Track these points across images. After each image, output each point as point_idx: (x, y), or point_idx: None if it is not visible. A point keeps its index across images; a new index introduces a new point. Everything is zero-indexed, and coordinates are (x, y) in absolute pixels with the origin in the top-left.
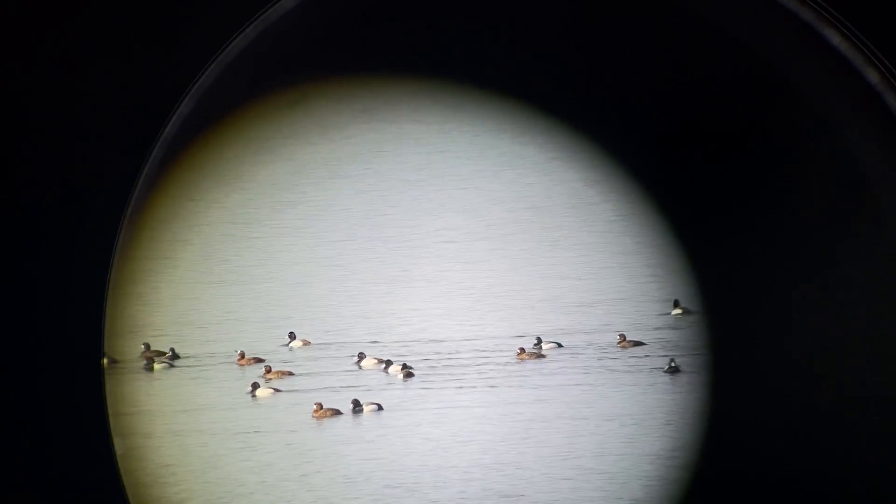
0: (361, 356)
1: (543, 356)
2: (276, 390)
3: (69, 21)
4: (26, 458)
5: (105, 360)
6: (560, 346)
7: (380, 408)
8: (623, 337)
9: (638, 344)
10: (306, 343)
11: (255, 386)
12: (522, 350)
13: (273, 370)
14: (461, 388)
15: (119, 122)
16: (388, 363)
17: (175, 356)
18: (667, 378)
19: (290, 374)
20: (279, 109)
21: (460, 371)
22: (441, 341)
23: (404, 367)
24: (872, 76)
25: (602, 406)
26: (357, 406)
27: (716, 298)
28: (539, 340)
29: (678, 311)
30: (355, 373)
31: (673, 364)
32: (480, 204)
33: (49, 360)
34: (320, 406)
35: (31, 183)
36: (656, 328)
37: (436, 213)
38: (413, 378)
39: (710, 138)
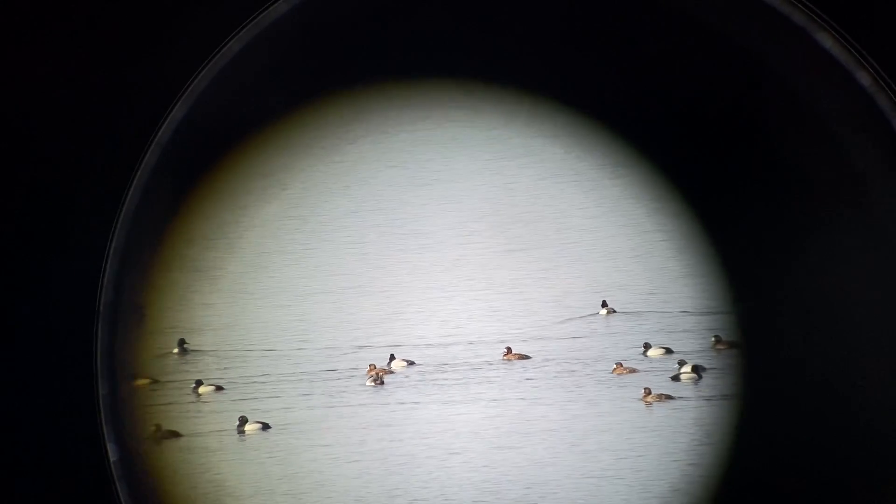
0: (198, 383)
1: (392, 371)
2: None
3: (60, 25)
4: (18, 464)
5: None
6: (412, 363)
7: (266, 427)
8: (509, 350)
9: (523, 357)
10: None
11: None
12: (373, 367)
13: None
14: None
15: (111, 126)
16: (212, 387)
17: None
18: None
19: None
20: (326, 113)
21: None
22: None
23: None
24: (864, 78)
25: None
26: (241, 424)
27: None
28: (392, 357)
29: (604, 311)
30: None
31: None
32: (528, 212)
33: (41, 365)
34: (158, 427)
35: (20, 188)
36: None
37: (474, 220)
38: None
39: (714, 143)
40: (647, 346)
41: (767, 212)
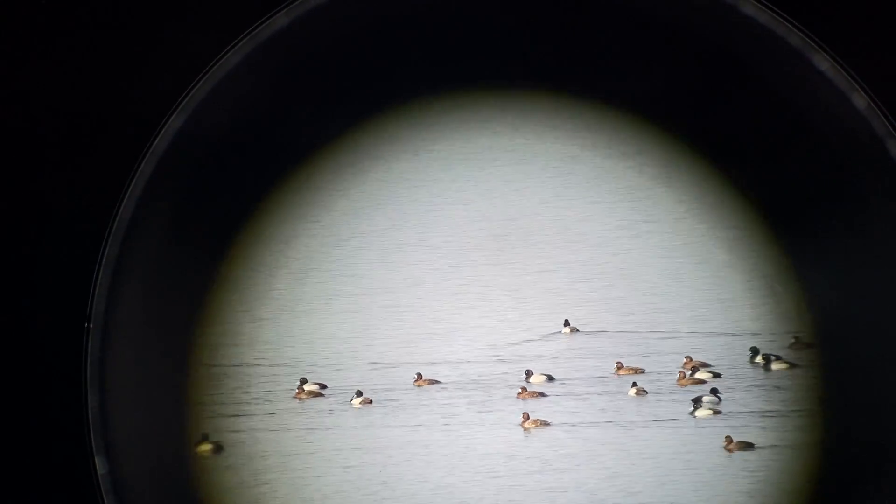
0: None
1: (322, 394)
2: None
3: (57, 34)
4: (6, 474)
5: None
6: (324, 386)
7: (220, 448)
8: (419, 375)
9: (434, 382)
10: None
11: None
12: (301, 389)
13: None
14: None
15: (107, 134)
16: None
17: None
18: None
19: None
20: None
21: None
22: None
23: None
24: (859, 101)
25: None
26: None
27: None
28: (303, 381)
29: (567, 329)
30: None
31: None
32: (552, 229)
33: (30, 375)
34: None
35: (14, 195)
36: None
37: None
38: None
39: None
40: (528, 374)
41: (764, 232)
